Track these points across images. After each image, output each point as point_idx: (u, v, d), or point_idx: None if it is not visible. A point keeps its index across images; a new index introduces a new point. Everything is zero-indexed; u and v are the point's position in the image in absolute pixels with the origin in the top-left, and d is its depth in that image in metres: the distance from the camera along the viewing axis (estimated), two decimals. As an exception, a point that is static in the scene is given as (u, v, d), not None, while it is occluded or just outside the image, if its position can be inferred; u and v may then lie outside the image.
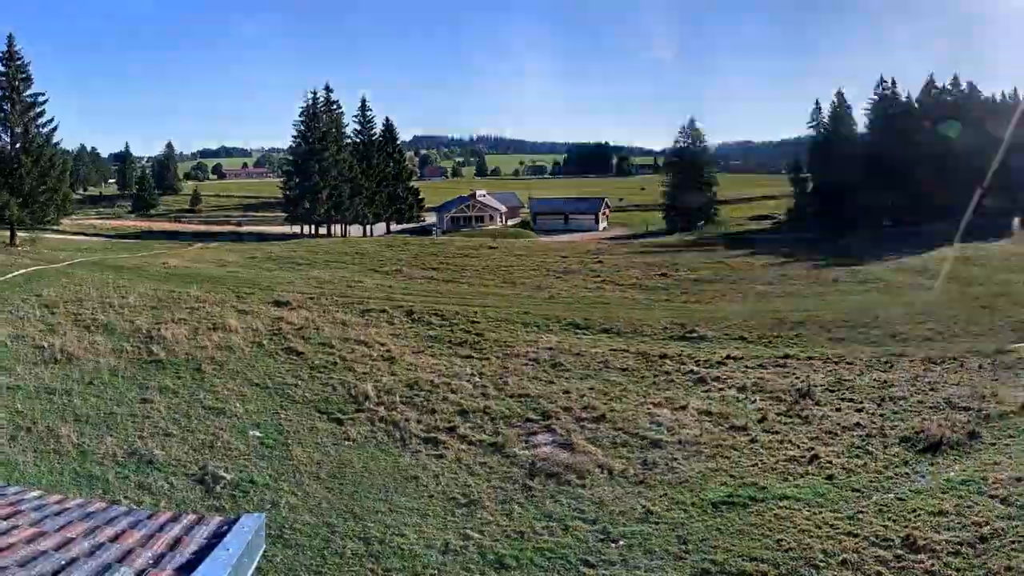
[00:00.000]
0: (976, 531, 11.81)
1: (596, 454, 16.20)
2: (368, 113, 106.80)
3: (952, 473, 14.33)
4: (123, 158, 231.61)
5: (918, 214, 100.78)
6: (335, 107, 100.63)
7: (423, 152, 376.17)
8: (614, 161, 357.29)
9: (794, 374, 21.96)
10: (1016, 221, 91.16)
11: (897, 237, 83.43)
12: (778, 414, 18.47)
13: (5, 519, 4.55)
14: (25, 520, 4.63)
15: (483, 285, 40.81)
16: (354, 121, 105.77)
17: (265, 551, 5.02)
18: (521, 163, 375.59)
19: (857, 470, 14.91)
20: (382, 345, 25.43)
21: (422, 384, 21.29)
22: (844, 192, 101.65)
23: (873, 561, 11.26)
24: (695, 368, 22.96)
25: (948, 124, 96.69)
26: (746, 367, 22.96)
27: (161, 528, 4.69)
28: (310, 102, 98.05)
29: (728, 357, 24.04)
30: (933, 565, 11.03)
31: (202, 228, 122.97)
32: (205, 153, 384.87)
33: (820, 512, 13.07)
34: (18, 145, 62.81)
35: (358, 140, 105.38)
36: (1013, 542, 11.31)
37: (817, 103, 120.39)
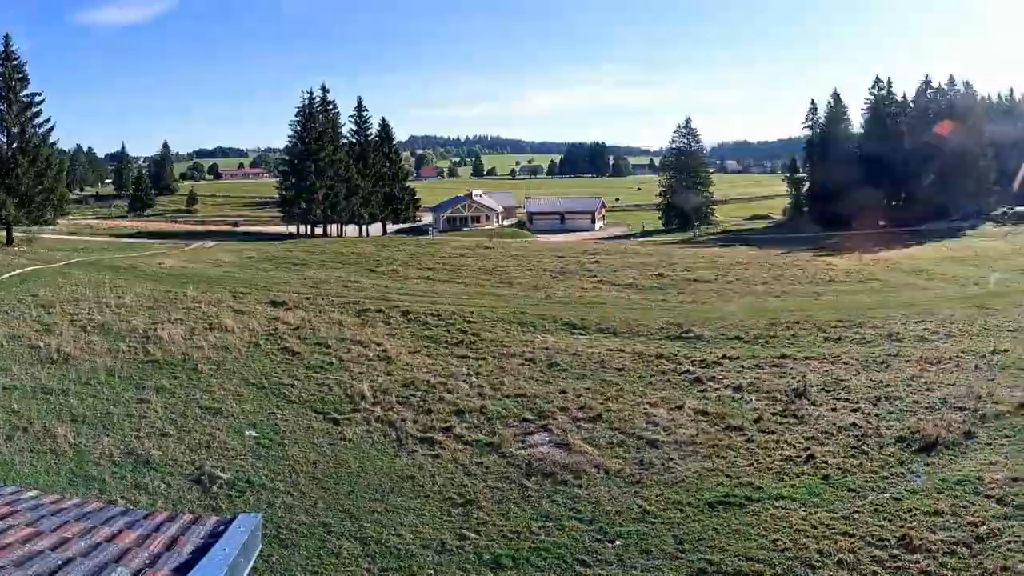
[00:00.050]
0: (972, 531, 11.84)
1: (592, 454, 16.21)
2: (364, 113, 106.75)
3: (948, 473, 14.36)
4: (119, 158, 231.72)
5: (914, 213, 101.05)
6: (331, 107, 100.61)
7: (419, 152, 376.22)
8: (611, 161, 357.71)
9: (790, 374, 21.98)
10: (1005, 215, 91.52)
11: (894, 236, 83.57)
12: (774, 414, 18.49)
13: (1, 519, 4.55)
14: (21, 520, 4.63)
15: (479, 285, 40.78)
16: (350, 121, 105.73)
17: (261, 551, 5.02)
18: (517, 163, 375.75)
19: (853, 470, 14.94)
20: (378, 345, 25.43)
21: (418, 384, 21.29)
22: (840, 192, 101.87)
23: (869, 561, 11.28)
24: (691, 368, 22.98)
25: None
26: (742, 367, 22.98)
27: (157, 528, 4.70)
28: (306, 102, 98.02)
29: (724, 357, 24.05)
30: (929, 565, 11.06)
31: (198, 228, 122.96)
32: (201, 153, 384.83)
33: (816, 512, 13.09)
34: (15, 145, 62.76)
35: (354, 140, 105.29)
36: (1009, 542, 11.35)
37: (813, 103, 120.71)
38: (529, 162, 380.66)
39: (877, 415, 18.09)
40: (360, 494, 14.67)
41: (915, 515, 12.58)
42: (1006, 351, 23.37)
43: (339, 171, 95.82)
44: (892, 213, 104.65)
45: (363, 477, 15.51)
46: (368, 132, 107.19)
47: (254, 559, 4.63)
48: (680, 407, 19.09)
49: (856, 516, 12.79)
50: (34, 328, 26.03)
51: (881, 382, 20.84)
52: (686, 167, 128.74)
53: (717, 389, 20.85)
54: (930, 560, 11.15)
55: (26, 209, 62.19)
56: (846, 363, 23.08)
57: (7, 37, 62.76)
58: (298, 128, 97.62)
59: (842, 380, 21.18)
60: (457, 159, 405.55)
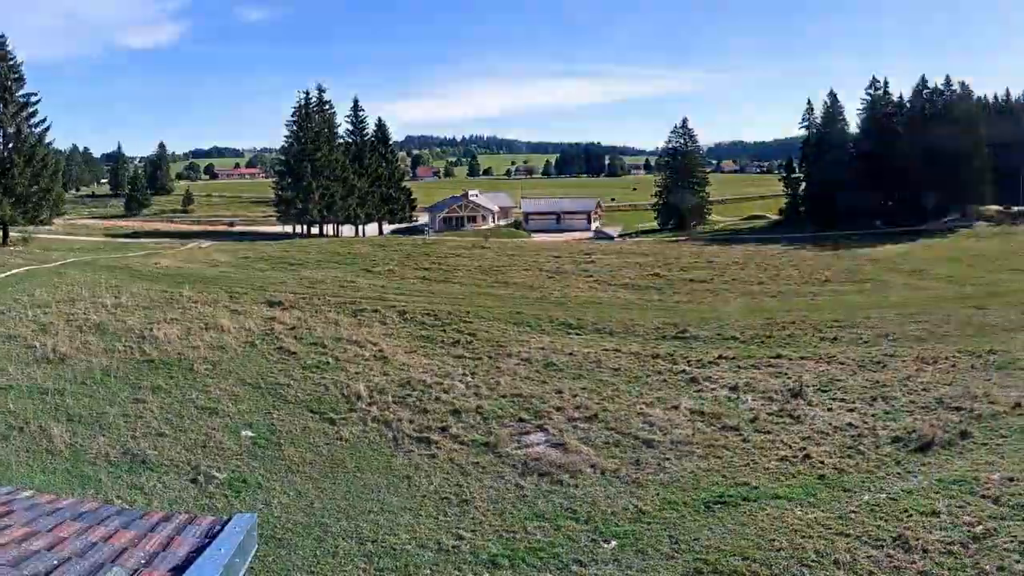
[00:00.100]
0: (968, 531, 11.85)
1: (588, 454, 16.21)
2: (360, 113, 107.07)
3: (944, 473, 14.38)
4: (115, 158, 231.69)
5: (910, 213, 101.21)
6: (327, 107, 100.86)
7: (415, 152, 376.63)
8: (607, 161, 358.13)
9: (786, 374, 22.00)
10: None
11: (890, 236, 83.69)
12: (770, 414, 18.49)
13: (-3, 519, 4.54)
14: (17, 520, 4.62)
15: (475, 285, 40.77)
16: (346, 121, 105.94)
17: (257, 551, 5.02)
18: (513, 163, 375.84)
19: (849, 470, 14.94)
20: (374, 345, 25.41)
21: (414, 384, 21.28)
22: (836, 192, 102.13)
23: (866, 561, 11.28)
24: (687, 368, 22.99)
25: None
26: (738, 367, 23.00)
27: (153, 528, 4.69)
28: (302, 102, 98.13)
29: (720, 357, 24.07)
30: (925, 565, 11.06)
31: (194, 228, 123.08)
32: (197, 153, 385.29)
33: (812, 512, 13.09)
34: (11, 145, 62.77)
35: (350, 140, 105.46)
36: (1006, 542, 11.35)
37: (809, 103, 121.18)
38: (525, 162, 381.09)
39: (873, 415, 18.10)
40: (356, 494, 14.66)
41: (911, 515, 12.58)
42: (1002, 351, 23.42)
43: (335, 171, 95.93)
44: (888, 213, 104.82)
45: (359, 477, 15.50)
46: (364, 132, 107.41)
47: (250, 559, 4.63)
48: (676, 407, 19.09)
49: (852, 516, 12.79)
50: (30, 328, 26.00)
51: (877, 382, 20.86)
52: (682, 167, 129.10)
53: (713, 389, 20.86)
54: (927, 560, 11.15)
55: (22, 209, 62.18)
56: (842, 363, 23.10)
57: (2, 37, 62.76)
58: (294, 128, 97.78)
59: (838, 380, 21.21)
60: (453, 159, 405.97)
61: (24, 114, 63.82)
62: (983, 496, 13.03)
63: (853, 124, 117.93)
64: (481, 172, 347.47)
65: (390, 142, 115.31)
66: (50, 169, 65.34)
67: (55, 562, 3.92)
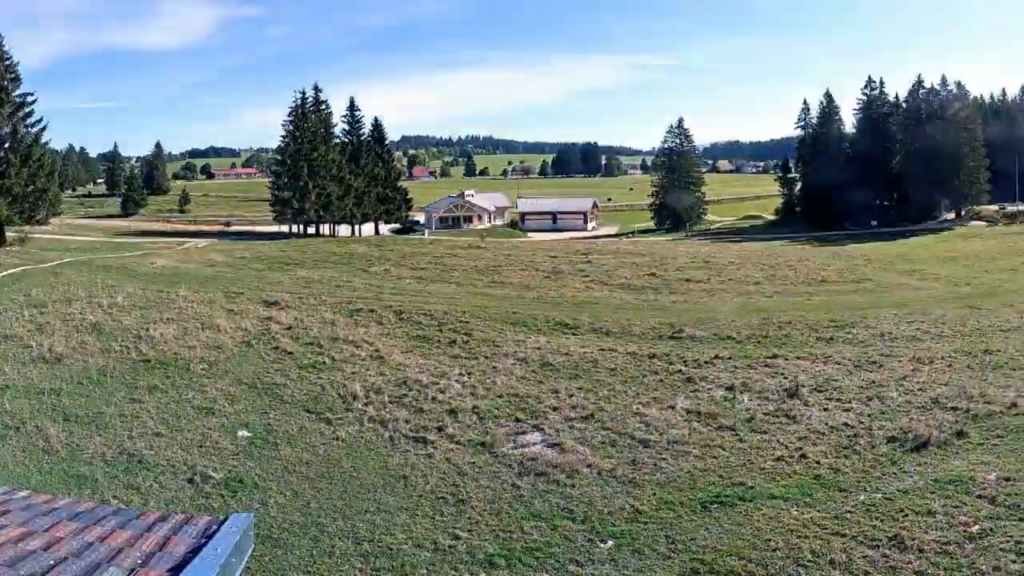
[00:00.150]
0: (964, 531, 11.87)
1: (585, 454, 16.21)
2: (357, 113, 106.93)
3: (940, 473, 14.39)
4: (112, 158, 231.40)
5: (906, 213, 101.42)
6: (324, 107, 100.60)
7: (412, 152, 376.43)
8: (603, 161, 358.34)
9: (782, 374, 22.00)
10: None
11: (885, 236, 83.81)
12: (766, 414, 18.50)
13: (-7, 519, 4.54)
14: (13, 520, 4.62)
15: (472, 285, 40.78)
16: (343, 121, 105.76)
17: (254, 551, 5.02)
18: (510, 163, 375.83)
19: (845, 470, 14.96)
20: (371, 345, 25.41)
21: (411, 384, 21.27)
22: (832, 191, 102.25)
23: (862, 561, 11.30)
24: (683, 368, 22.99)
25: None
26: (734, 367, 23.00)
27: (149, 528, 4.69)
28: (299, 102, 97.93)
29: (716, 357, 24.07)
30: (921, 565, 11.08)
31: (191, 228, 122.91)
32: (194, 153, 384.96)
33: (808, 512, 13.11)
34: (7, 145, 62.63)
35: (347, 140, 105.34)
36: (1002, 542, 11.37)
37: (805, 103, 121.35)
38: (521, 162, 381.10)
39: (869, 415, 18.12)
40: (353, 494, 14.65)
41: (907, 515, 12.60)
42: (998, 351, 23.47)
43: (332, 171, 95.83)
44: (884, 212, 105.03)
45: (356, 477, 15.49)
46: (360, 132, 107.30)
47: (247, 559, 4.63)
48: (672, 407, 19.10)
49: (848, 516, 12.81)
50: (26, 328, 26.00)
51: (873, 382, 20.88)
52: (678, 167, 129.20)
53: (709, 389, 20.86)
54: (922, 560, 11.17)
55: (18, 209, 62.08)
56: (838, 363, 23.12)
57: (-1, 37, 62.64)
58: (291, 128, 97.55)
59: (834, 380, 21.22)
60: (449, 159, 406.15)
61: (20, 114, 63.72)
62: (979, 496, 13.05)
63: (849, 124, 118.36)
64: (477, 172, 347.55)
65: (386, 142, 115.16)
66: (46, 169, 65.24)
67: (51, 562, 3.92)
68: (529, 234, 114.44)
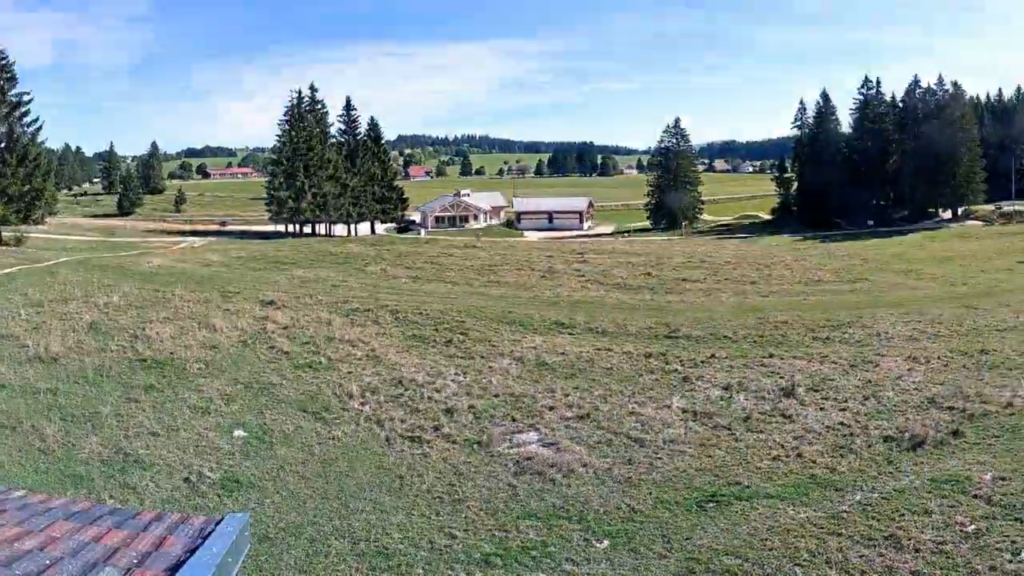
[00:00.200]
0: (960, 530, 11.87)
1: (581, 453, 16.20)
2: (353, 113, 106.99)
3: (936, 472, 14.41)
4: (108, 158, 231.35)
5: (903, 212, 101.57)
6: (320, 107, 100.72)
7: (408, 152, 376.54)
8: (599, 161, 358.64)
9: (778, 373, 22.02)
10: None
11: (882, 235, 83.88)
12: (762, 413, 18.50)
13: (-11, 518, 4.53)
14: (9, 519, 4.61)
15: (468, 284, 40.80)
16: (339, 121, 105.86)
17: (250, 550, 5.02)
18: (506, 163, 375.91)
19: (841, 469, 14.97)
20: (367, 344, 25.40)
21: (407, 383, 21.26)
22: (828, 191, 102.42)
23: (858, 560, 11.30)
24: (679, 367, 23.00)
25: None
26: (730, 366, 23.01)
27: (146, 527, 4.69)
28: (295, 102, 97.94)
29: (712, 356, 24.09)
30: (917, 564, 11.08)
31: (187, 227, 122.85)
32: (190, 152, 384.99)
33: (804, 511, 13.11)
34: (3, 145, 62.63)
35: (343, 140, 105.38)
36: (997, 541, 11.38)
37: (802, 103, 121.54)
38: (518, 162, 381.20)
39: (865, 414, 18.13)
40: (349, 493, 14.63)
41: (903, 514, 12.60)
42: (994, 351, 23.50)
43: (328, 170, 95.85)
44: (880, 212, 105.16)
45: (352, 476, 15.47)
46: (357, 132, 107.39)
47: (243, 558, 4.63)
48: (668, 406, 19.10)
49: (845, 515, 12.81)
50: (23, 327, 25.98)
51: (869, 381, 20.90)
52: (674, 167, 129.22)
53: (705, 388, 20.86)
54: (919, 560, 11.18)
55: (14, 208, 62.06)
56: (834, 362, 23.14)
57: (-5, 37, 62.60)
58: (287, 128, 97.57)
59: (830, 379, 21.24)
60: (446, 159, 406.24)
61: (16, 114, 63.71)
62: (975, 496, 13.05)
63: (845, 124, 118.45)
64: (473, 171, 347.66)
65: (382, 141, 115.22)
66: (43, 169, 65.33)
67: (47, 562, 3.92)
68: (525, 233, 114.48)
